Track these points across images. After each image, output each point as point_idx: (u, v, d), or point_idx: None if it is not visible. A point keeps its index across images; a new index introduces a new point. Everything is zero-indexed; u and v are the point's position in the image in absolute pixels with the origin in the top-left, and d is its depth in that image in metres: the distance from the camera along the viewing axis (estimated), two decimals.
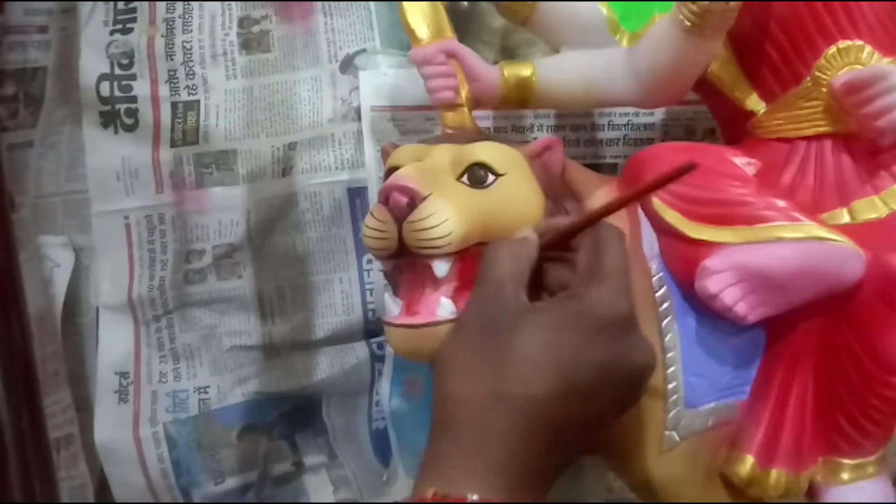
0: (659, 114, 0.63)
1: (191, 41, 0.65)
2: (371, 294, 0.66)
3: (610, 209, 0.40)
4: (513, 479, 0.34)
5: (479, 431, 0.35)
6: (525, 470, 0.35)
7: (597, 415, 0.37)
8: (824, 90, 0.46)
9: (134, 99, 0.64)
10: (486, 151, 0.45)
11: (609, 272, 0.38)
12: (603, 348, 0.36)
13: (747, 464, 0.47)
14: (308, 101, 0.65)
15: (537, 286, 0.40)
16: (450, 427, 0.36)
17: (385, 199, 0.43)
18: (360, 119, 0.64)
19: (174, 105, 0.65)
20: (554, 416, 0.35)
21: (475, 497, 0.33)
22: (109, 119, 0.64)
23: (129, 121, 0.64)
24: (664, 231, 0.47)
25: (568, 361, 0.35)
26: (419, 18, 0.52)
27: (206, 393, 0.67)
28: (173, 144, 0.65)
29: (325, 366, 0.67)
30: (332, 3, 0.66)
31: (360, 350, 0.67)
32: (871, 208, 0.46)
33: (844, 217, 0.46)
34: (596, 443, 0.44)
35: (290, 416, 0.69)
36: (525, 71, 0.52)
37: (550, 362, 0.35)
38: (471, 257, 0.44)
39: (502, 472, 0.34)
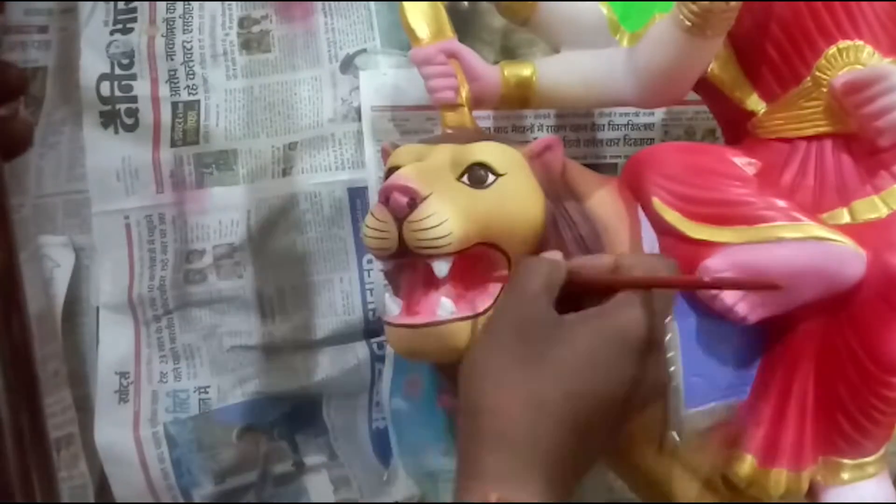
0: (659, 114, 0.63)
1: (191, 41, 0.65)
2: (371, 294, 0.66)
3: (661, 283, 0.41)
4: (558, 484, 0.36)
5: (527, 438, 0.36)
6: (569, 475, 0.37)
7: (619, 425, 0.40)
8: (824, 90, 0.46)
9: (134, 99, 0.64)
10: (486, 151, 0.45)
11: (648, 299, 0.40)
12: (632, 365, 0.38)
13: (747, 464, 0.47)
14: (308, 101, 0.65)
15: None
16: (492, 435, 0.36)
17: (385, 199, 0.43)
18: (360, 119, 0.64)
19: (174, 105, 0.65)
20: (591, 425, 0.37)
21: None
22: (110, 119, 0.64)
23: (129, 121, 0.64)
24: (665, 231, 0.47)
25: (605, 374, 0.38)
26: (419, 18, 0.52)
27: (207, 393, 0.67)
28: (173, 144, 0.65)
29: (326, 366, 0.67)
30: (332, 3, 0.66)
31: (360, 350, 0.67)
32: (872, 208, 0.46)
33: (845, 217, 0.46)
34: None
35: (291, 416, 0.69)
36: (525, 71, 0.52)
37: (591, 374, 0.37)
38: (471, 257, 0.44)
39: (550, 478, 0.36)
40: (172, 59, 0.65)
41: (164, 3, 0.65)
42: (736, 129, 0.51)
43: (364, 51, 0.65)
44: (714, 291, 0.44)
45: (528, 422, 0.36)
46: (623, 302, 0.39)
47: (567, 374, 0.37)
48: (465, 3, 0.64)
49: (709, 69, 0.49)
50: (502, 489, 0.35)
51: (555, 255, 0.43)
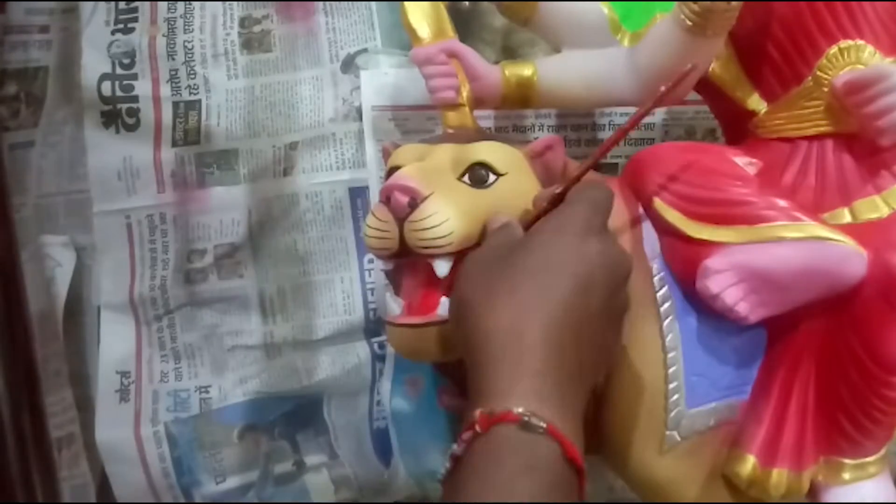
0: (660, 114, 0.63)
1: (192, 41, 0.65)
2: (372, 293, 0.67)
3: (589, 166, 0.44)
4: (552, 383, 0.36)
5: (513, 350, 0.36)
6: (563, 371, 0.37)
7: (604, 310, 0.40)
8: (826, 90, 0.46)
9: (135, 98, 0.64)
10: (487, 151, 0.45)
11: (582, 194, 0.42)
12: (594, 248, 0.39)
13: (748, 463, 0.47)
14: (309, 100, 0.65)
15: None
16: (484, 358, 0.37)
17: (386, 198, 0.43)
18: (361, 119, 0.64)
19: (175, 105, 0.65)
20: (572, 313, 0.38)
21: (519, 409, 0.34)
22: (111, 119, 0.64)
23: (130, 120, 0.64)
24: (665, 231, 0.47)
25: (568, 260, 0.39)
26: (420, 18, 0.52)
27: (208, 392, 0.67)
28: (175, 144, 0.65)
29: (327, 365, 0.67)
30: (333, 2, 0.66)
31: (361, 350, 0.67)
32: (873, 208, 0.46)
33: (846, 217, 0.46)
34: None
35: (292, 416, 0.69)
36: (526, 71, 0.52)
37: (557, 265, 0.38)
38: None
39: (540, 377, 0.36)
40: (174, 59, 0.65)
41: (166, 2, 0.65)
42: (737, 128, 0.51)
43: (365, 50, 0.65)
44: (715, 291, 0.44)
45: (514, 338, 0.36)
46: (563, 206, 0.42)
47: (541, 280, 0.38)
48: (466, 2, 0.64)
49: (710, 69, 0.49)
50: (492, 399, 0.35)
51: (500, 218, 0.44)
